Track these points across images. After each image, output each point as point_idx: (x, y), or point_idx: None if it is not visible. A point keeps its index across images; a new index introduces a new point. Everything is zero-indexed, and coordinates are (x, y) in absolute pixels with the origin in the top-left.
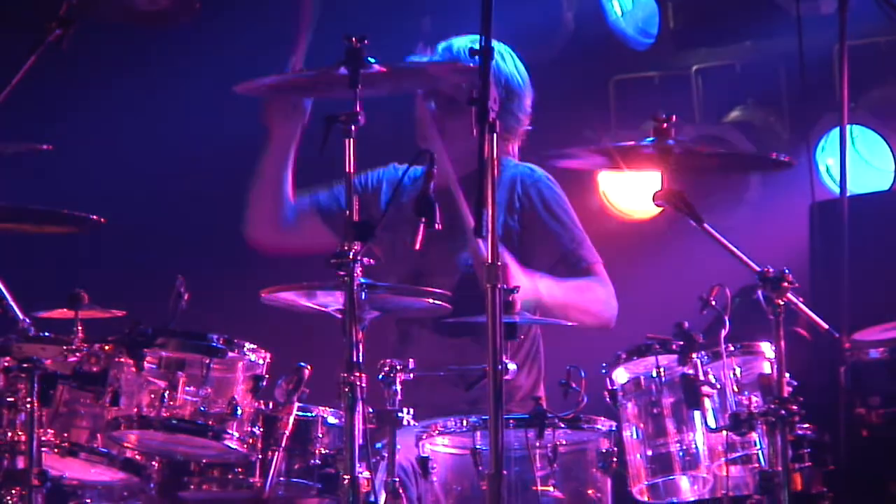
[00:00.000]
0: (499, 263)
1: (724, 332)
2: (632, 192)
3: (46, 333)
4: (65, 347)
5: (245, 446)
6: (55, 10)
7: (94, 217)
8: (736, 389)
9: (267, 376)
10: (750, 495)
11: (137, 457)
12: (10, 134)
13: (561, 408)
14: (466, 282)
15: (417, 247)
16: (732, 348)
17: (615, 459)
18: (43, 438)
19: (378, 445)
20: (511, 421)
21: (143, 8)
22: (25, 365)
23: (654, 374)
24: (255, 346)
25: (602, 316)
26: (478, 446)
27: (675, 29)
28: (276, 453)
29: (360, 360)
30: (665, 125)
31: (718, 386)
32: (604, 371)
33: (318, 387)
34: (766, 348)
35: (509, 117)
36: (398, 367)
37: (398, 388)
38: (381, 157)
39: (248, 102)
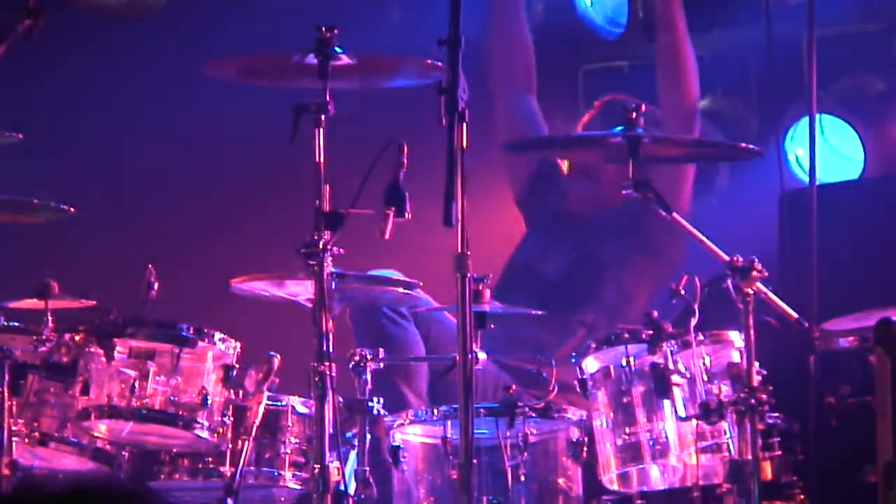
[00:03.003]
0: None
1: (693, 322)
2: None
3: (16, 324)
4: (35, 337)
5: (215, 436)
6: (24, 1)
7: (65, 207)
8: (705, 378)
9: (237, 366)
10: (720, 484)
11: (108, 446)
12: None
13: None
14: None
15: (387, 237)
16: (702, 337)
17: (585, 448)
18: (13, 428)
19: (348, 435)
20: (482, 410)
21: None
22: None
23: (624, 364)
24: (225, 336)
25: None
26: (448, 435)
27: (645, 19)
28: (247, 443)
29: (331, 350)
30: (634, 115)
31: (688, 375)
32: (574, 360)
33: (288, 376)
34: (736, 337)
35: None
36: (368, 357)
37: (368, 377)
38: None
39: (220, 91)
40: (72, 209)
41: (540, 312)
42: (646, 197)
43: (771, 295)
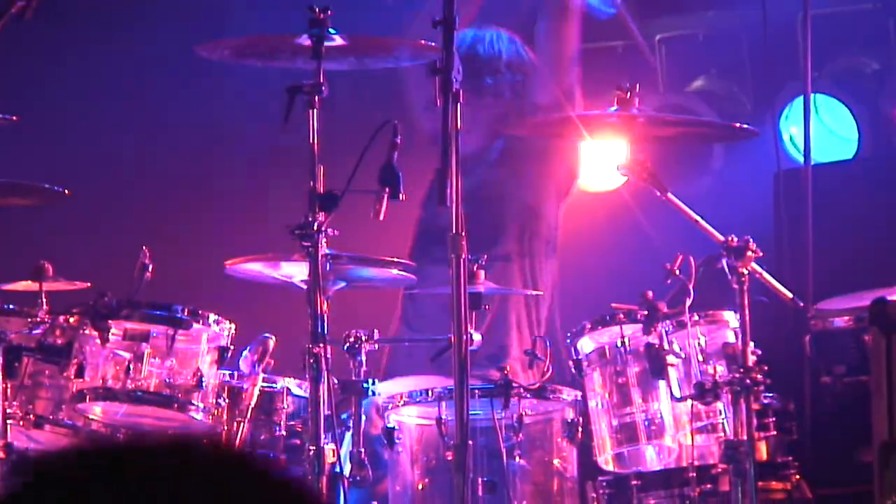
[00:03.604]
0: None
1: (688, 302)
2: (593, 164)
3: (11, 306)
4: (29, 320)
5: (210, 417)
6: None
7: (60, 189)
8: (701, 359)
9: (232, 347)
10: (715, 464)
11: (102, 429)
12: None
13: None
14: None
15: (381, 217)
16: (697, 317)
17: (580, 429)
18: (8, 411)
19: (343, 416)
20: (477, 391)
21: None
22: None
23: (619, 344)
24: (219, 318)
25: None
26: (443, 416)
27: None
28: (242, 424)
29: (325, 332)
30: (629, 95)
31: (683, 355)
32: (569, 340)
33: (283, 358)
34: (731, 317)
35: None
36: (363, 338)
37: (363, 358)
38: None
39: (214, 72)
40: (67, 191)
41: (538, 292)
42: (641, 178)
43: (766, 275)
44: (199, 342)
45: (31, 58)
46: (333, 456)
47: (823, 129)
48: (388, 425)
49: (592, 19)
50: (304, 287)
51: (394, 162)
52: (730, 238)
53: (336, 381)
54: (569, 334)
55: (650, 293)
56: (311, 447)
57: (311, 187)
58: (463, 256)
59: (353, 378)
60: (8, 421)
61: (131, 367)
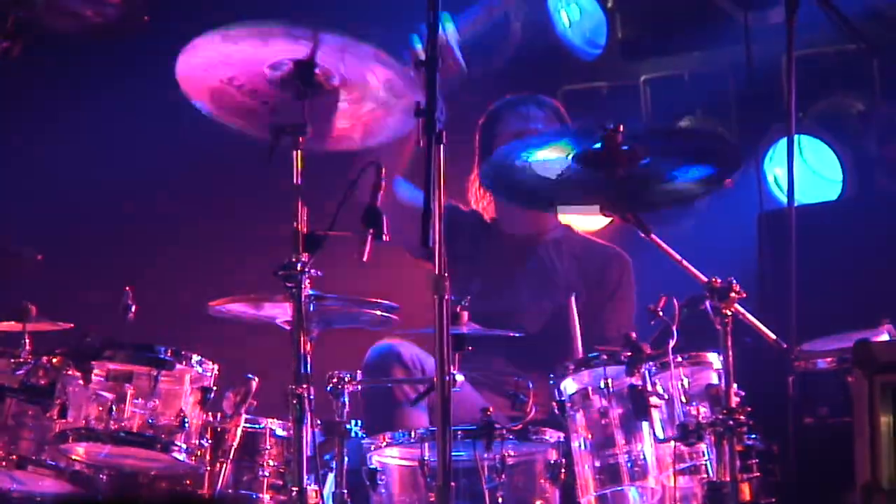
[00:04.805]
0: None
1: (671, 343)
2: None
3: None
4: (12, 360)
5: (193, 458)
6: (2, 24)
7: (29, 256)
8: (684, 400)
9: (215, 388)
10: None
11: (85, 469)
12: None
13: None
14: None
15: (365, 258)
16: (680, 359)
17: (563, 470)
18: None
19: (326, 457)
20: (459, 433)
21: (90, 20)
22: None
23: (602, 385)
24: (202, 358)
25: None
26: (426, 458)
27: (623, 39)
28: (225, 465)
29: (309, 372)
30: (613, 135)
31: (666, 396)
32: (552, 382)
33: (266, 399)
34: (714, 359)
35: None
36: (346, 379)
37: (346, 399)
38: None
39: (196, 114)
40: (38, 256)
41: (518, 333)
42: (624, 219)
43: (749, 316)
44: (182, 383)
45: (14, 99)
46: (317, 497)
47: (808, 171)
48: (371, 466)
49: (577, 60)
50: (288, 328)
51: (377, 203)
52: (713, 279)
53: (319, 421)
54: (552, 376)
55: (633, 334)
56: (293, 488)
57: (294, 228)
58: (446, 297)
59: (337, 419)
60: None
61: (114, 407)
